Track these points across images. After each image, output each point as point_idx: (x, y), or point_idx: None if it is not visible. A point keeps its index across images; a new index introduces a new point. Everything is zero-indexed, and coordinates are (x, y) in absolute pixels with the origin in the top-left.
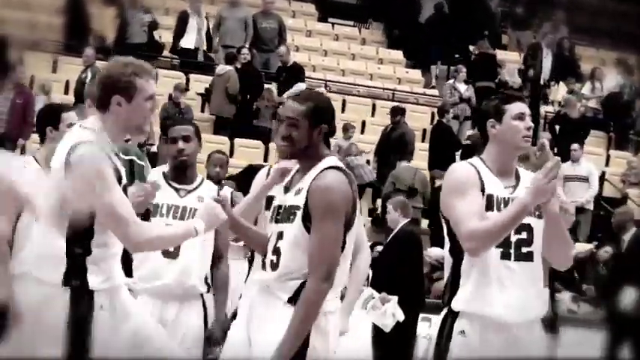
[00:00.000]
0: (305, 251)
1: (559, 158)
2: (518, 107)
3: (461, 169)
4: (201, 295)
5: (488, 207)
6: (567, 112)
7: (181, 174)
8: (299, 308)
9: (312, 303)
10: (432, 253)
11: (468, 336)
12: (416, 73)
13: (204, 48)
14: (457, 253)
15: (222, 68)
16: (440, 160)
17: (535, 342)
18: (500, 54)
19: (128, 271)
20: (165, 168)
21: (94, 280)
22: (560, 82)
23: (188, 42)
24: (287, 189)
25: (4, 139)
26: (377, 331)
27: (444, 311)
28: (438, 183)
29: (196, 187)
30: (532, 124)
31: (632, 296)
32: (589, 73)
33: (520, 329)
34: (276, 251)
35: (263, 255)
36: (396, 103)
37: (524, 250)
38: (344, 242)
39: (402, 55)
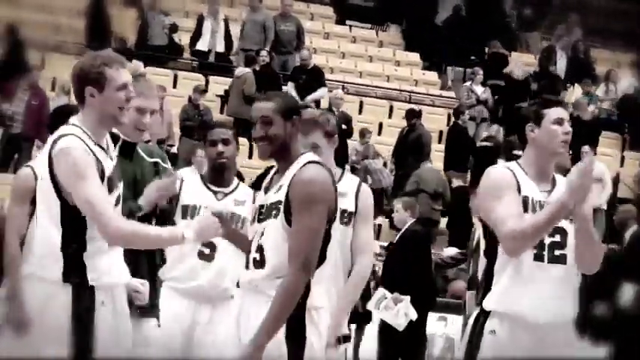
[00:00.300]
0: (286, 247)
1: (593, 158)
2: (557, 112)
3: (497, 172)
4: (233, 297)
5: (524, 209)
6: (579, 115)
7: (219, 177)
8: (276, 298)
9: (289, 293)
10: (447, 252)
11: (498, 335)
12: (432, 75)
13: (220, 50)
14: (491, 254)
15: (240, 70)
16: (455, 161)
17: (566, 343)
18: (513, 55)
19: (152, 271)
20: (189, 170)
21: (92, 276)
22: (576, 84)
23: (202, 44)
24: (267, 189)
25: (20, 139)
26: (384, 330)
27: (476, 311)
28: (454, 184)
29: (233, 190)
30: (570, 129)
31: (630, 293)
32: (604, 75)
33: (551, 330)
34: (259, 249)
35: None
36: (412, 105)
37: (558, 252)
38: (327, 235)
39: (419, 58)
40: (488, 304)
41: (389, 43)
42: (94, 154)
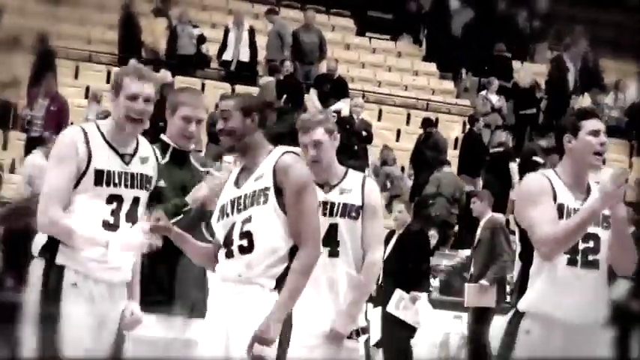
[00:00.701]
0: (279, 230)
1: (625, 167)
2: (593, 124)
3: (534, 179)
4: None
5: (559, 216)
6: None
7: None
8: (294, 275)
9: (306, 270)
10: (461, 254)
11: (531, 335)
12: (448, 84)
13: (245, 60)
14: (527, 257)
15: (263, 79)
16: (469, 166)
17: (597, 345)
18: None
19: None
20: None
21: (63, 257)
22: (585, 94)
23: (227, 54)
24: (237, 183)
25: (39, 142)
26: (384, 327)
27: (512, 312)
28: (466, 189)
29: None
30: (605, 140)
31: (624, 287)
32: (613, 84)
33: (582, 332)
34: (246, 234)
35: (212, 263)
36: (429, 113)
37: (591, 257)
38: None
39: (436, 67)
40: (522, 305)
41: (406, 53)
42: (88, 147)
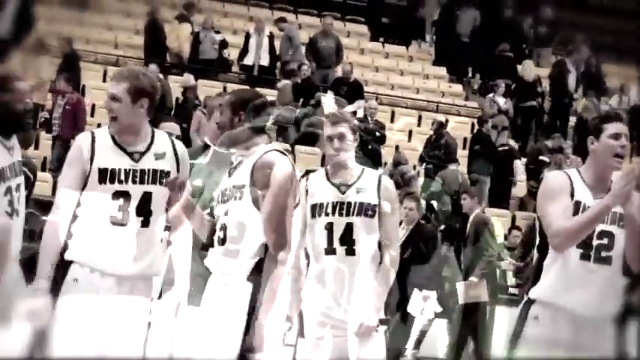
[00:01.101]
0: (252, 226)
1: (637, 165)
2: (615, 127)
3: (554, 176)
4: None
5: (575, 212)
6: (587, 117)
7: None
8: (274, 273)
9: (284, 268)
10: None
11: (540, 321)
12: (457, 87)
13: (264, 64)
14: (542, 249)
15: (281, 83)
16: (477, 165)
17: (602, 338)
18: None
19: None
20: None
21: (70, 253)
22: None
23: (248, 59)
24: (229, 174)
25: (57, 140)
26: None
27: (525, 299)
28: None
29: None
30: (626, 144)
31: None
32: (618, 87)
33: (589, 324)
34: (223, 227)
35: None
36: (439, 114)
37: (604, 254)
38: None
39: (446, 71)
40: (534, 293)
41: (418, 58)
42: (92, 149)
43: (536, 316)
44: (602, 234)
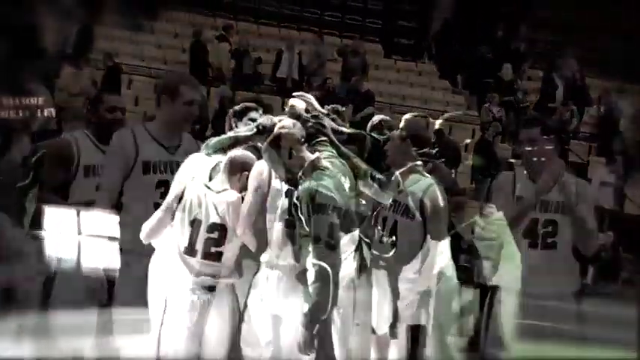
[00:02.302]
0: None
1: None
2: (527, 133)
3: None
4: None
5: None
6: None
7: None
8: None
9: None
10: None
11: (505, 304)
12: (460, 98)
13: (295, 77)
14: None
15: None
16: (480, 168)
17: (561, 311)
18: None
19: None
20: None
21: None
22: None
23: (281, 72)
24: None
25: None
26: None
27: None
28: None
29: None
30: (538, 148)
31: None
32: (596, 99)
33: (547, 304)
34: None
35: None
36: (444, 122)
37: (549, 240)
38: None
39: (449, 84)
40: (495, 281)
41: (426, 72)
42: (136, 144)
43: (500, 300)
44: (548, 223)
